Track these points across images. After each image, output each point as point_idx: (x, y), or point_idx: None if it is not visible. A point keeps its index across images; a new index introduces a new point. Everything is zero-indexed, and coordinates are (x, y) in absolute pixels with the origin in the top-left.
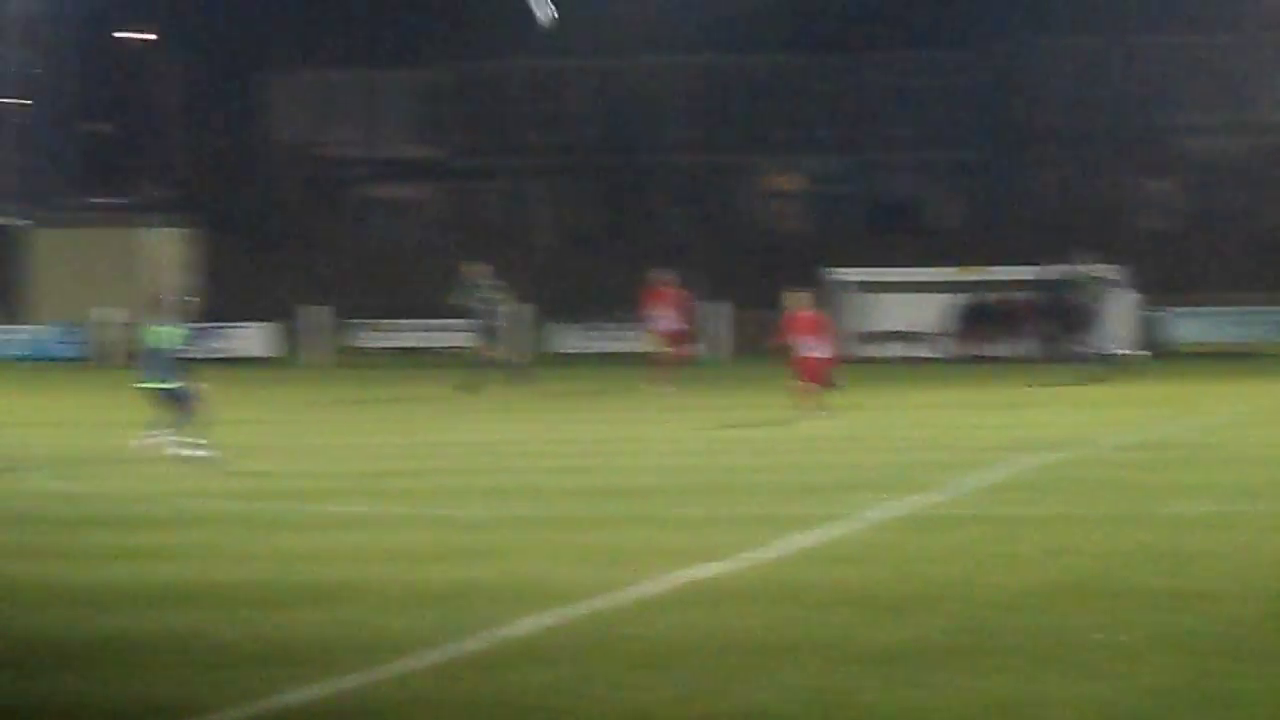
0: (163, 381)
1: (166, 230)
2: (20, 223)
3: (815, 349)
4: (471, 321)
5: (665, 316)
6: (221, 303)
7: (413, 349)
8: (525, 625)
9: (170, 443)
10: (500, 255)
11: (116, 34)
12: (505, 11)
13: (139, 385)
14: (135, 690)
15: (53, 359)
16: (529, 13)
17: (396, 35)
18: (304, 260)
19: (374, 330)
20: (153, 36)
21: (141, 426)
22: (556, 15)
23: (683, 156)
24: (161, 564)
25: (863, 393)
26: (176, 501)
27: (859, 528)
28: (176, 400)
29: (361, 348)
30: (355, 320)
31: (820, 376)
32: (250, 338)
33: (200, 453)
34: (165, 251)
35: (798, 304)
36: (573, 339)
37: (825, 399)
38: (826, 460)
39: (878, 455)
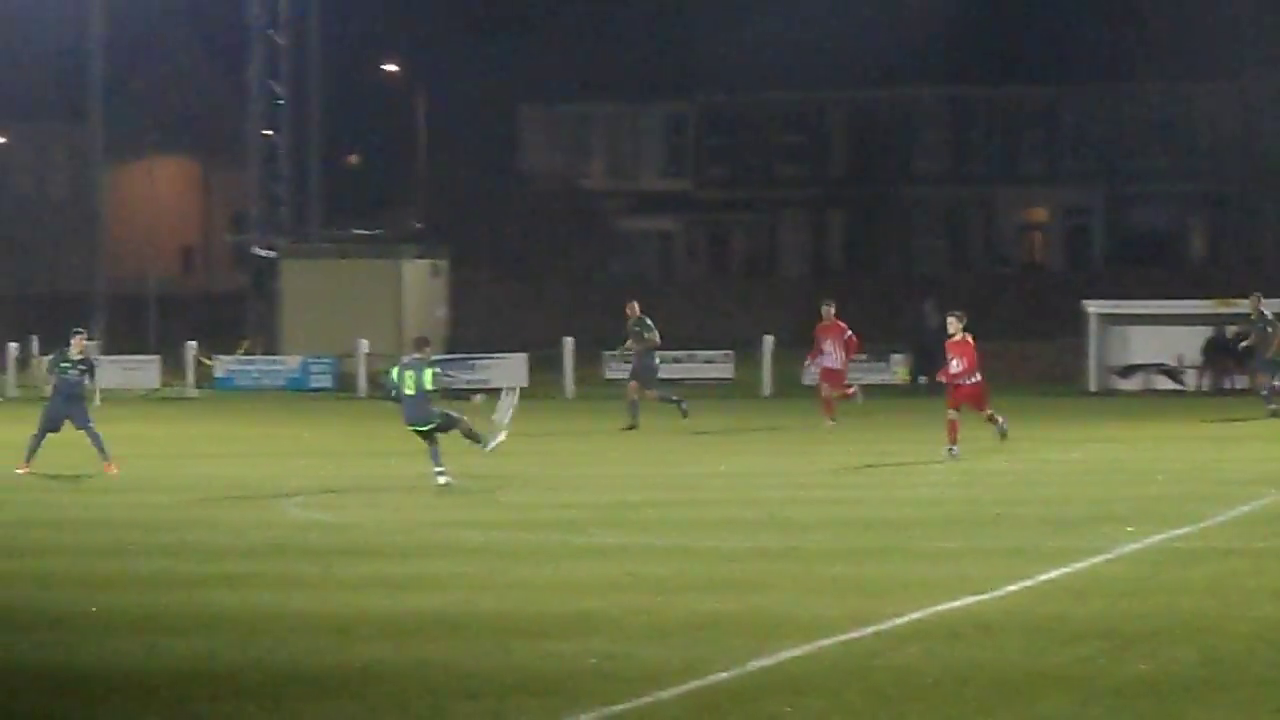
0: (426, 423)
1: (420, 262)
2: (273, 254)
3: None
4: (633, 361)
5: (829, 353)
6: (473, 334)
7: (664, 380)
8: (776, 657)
9: (438, 473)
10: (750, 286)
11: (369, 65)
12: (757, 44)
13: (409, 427)
14: (384, 719)
15: (309, 390)
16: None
17: (650, 68)
18: (556, 291)
19: (625, 361)
20: (403, 68)
21: (398, 457)
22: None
23: (933, 188)
24: (415, 594)
25: (1112, 425)
26: (431, 532)
27: (1110, 560)
28: (440, 431)
29: (612, 378)
30: (606, 351)
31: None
32: (502, 368)
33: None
34: (419, 283)
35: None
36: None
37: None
38: (1078, 493)
39: (1128, 488)
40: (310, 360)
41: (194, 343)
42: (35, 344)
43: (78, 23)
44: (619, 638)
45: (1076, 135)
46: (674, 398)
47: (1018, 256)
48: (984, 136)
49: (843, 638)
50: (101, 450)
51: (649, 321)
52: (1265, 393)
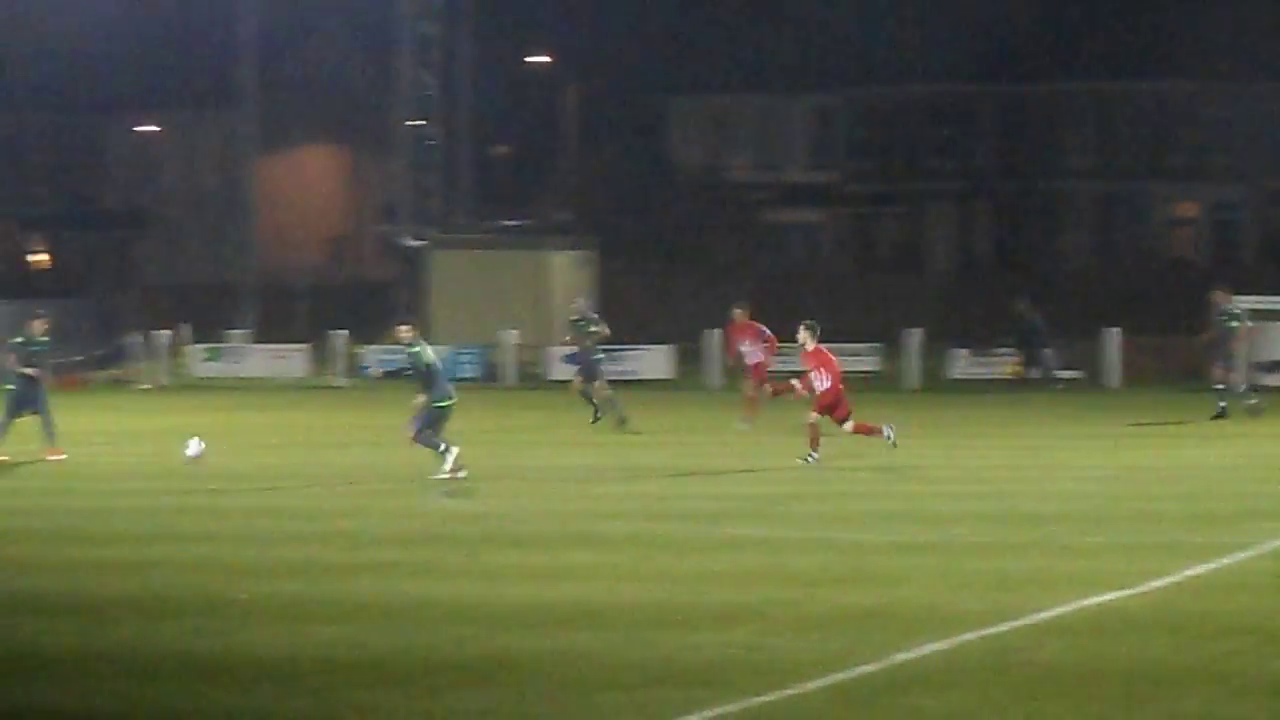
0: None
1: (567, 253)
2: (422, 244)
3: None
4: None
5: (749, 351)
6: (620, 325)
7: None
8: (918, 650)
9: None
10: (896, 280)
11: (520, 55)
12: (905, 37)
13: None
14: (530, 709)
15: (456, 379)
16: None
17: (796, 60)
18: (702, 283)
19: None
20: (553, 59)
21: (544, 447)
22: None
23: (1080, 182)
24: (560, 584)
25: (1260, 421)
26: (575, 522)
27: (1256, 557)
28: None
29: None
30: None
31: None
32: (649, 359)
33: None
34: (566, 274)
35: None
36: (965, 365)
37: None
38: (1221, 489)
39: (1272, 484)
40: (459, 350)
41: (342, 332)
42: (187, 331)
43: (229, 12)
44: (762, 629)
45: (1225, 130)
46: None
47: (1165, 252)
48: (1132, 131)
49: (985, 632)
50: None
51: (594, 315)
52: (1241, 389)
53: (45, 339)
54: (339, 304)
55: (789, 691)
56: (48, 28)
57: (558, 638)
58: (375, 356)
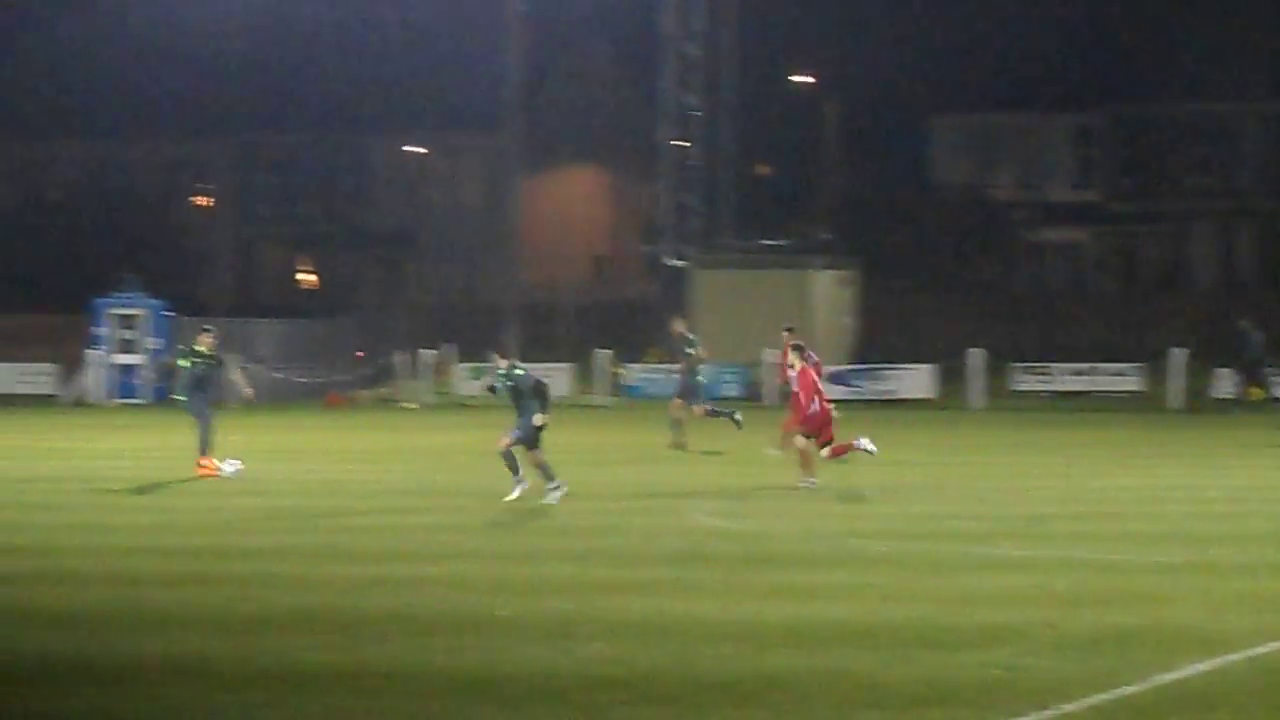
0: None
1: (829, 272)
2: (683, 263)
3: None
4: (679, 380)
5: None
6: (881, 344)
7: (1071, 393)
8: (1181, 671)
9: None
10: (1159, 299)
11: (781, 75)
12: (1167, 55)
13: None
14: None
15: (718, 398)
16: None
17: (1057, 79)
18: (963, 302)
19: (1032, 373)
20: (815, 78)
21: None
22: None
23: None
24: (821, 603)
25: None
26: (837, 541)
27: None
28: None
29: (1019, 390)
30: (1013, 363)
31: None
32: (910, 379)
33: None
34: (827, 293)
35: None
36: (1227, 385)
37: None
38: None
39: None
40: (720, 368)
41: (606, 351)
42: (453, 351)
43: (495, 35)
44: (1023, 650)
45: None
46: (726, 410)
47: None
48: None
49: (1250, 653)
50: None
51: (692, 338)
52: None
53: (211, 355)
54: (601, 323)
55: (1050, 712)
56: (317, 51)
57: (820, 657)
58: (636, 374)
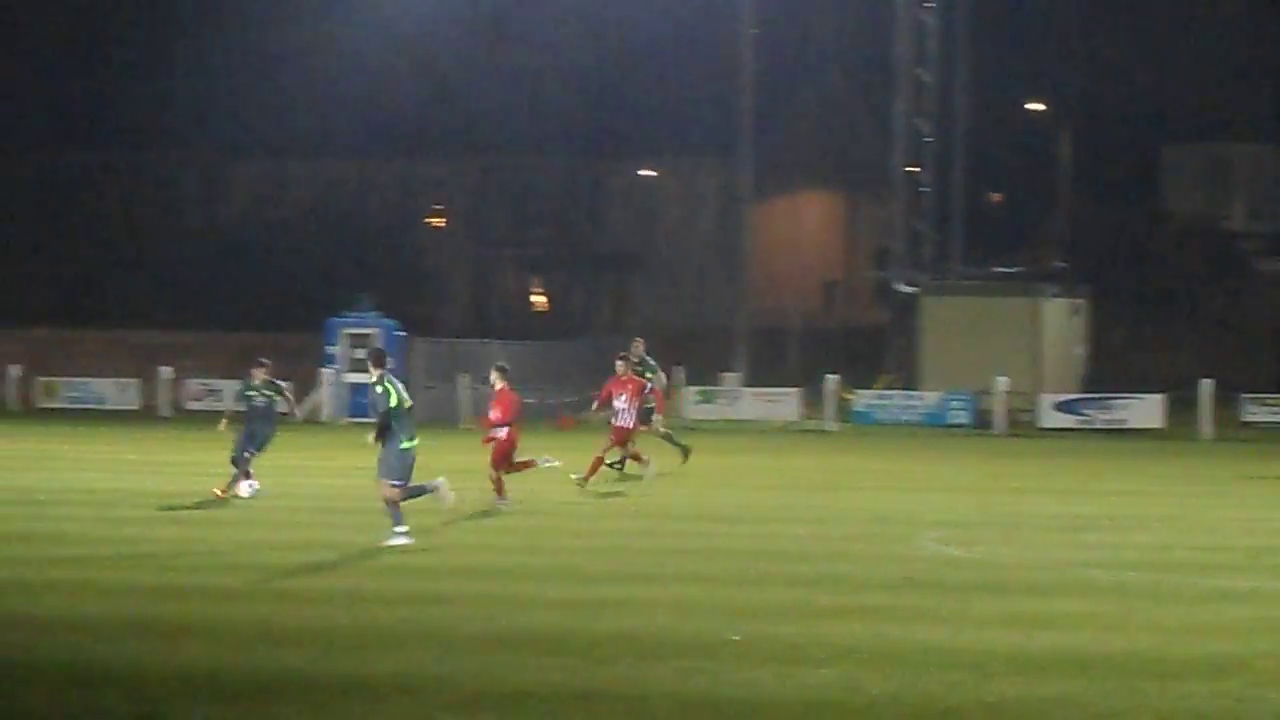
0: None
1: (1059, 300)
2: (914, 290)
3: None
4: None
5: (623, 409)
6: (1112, 373)
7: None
8: None
9: None
10: None
11: (1015, 103)
12: None
13: None
14: None
15: (946, 425)
16: None
17: None
18: (1193, 332)
19: (1262, 404)
20: (1048, 106)
21: (1034, 494)
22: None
23: None
24: (1047, 632)
25: None
26: (1062, 571)
27: None
28: None
29: (1249, 421)
30: (1243, 394)
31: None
32: (1139, 409)
33: None
34: (1058, 321)
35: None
36: None
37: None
38: None
39: None
40: (949, 396)
41: (834, 376)
42: (681, 374)
43: (728, 60)
44: (1252, 681)
45: None
46: (679, 442)
47: None
48: None
49: None
50: (235, 476)
51: (652, 362)
52: None
53: (262, 385)
54: (830, 348)
55: None
56: (552, 74)
57: (1045, 686)
58: (865, 400)
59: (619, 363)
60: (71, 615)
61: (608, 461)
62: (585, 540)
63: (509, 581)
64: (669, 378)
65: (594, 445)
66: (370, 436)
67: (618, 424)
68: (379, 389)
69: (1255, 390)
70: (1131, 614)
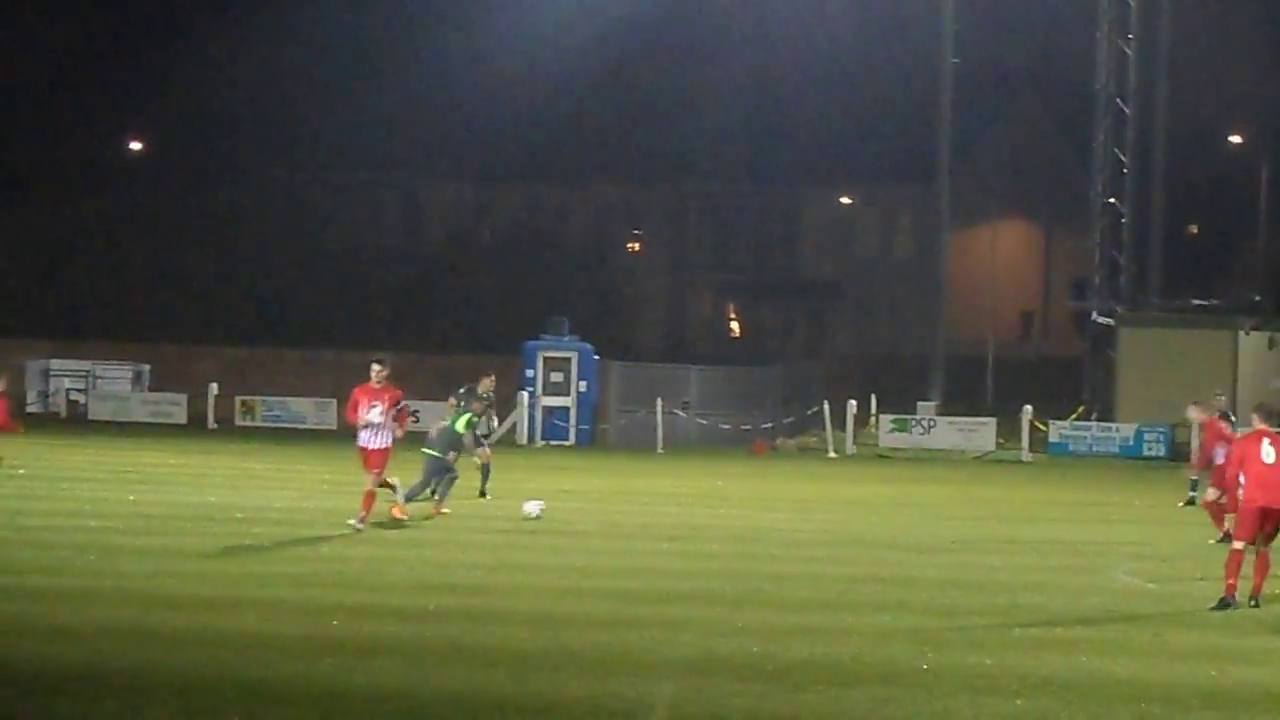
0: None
1: (1257, 333)
2: (1111, 321)
3: None
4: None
5: (376, 425)
6: None
7: None
8: None
9: None
10: None
11: (1215, 134)
12: None
13: None
14: None
15: (1142, 458)
16: None
17: None
18: None
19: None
20: (1245, 138)
21: None
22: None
23: None
24: (1241, 666)
25: None
26: (1264, 605)
27: None
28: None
29: None
30: None
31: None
32: None
33: None
34: (1255, 354)
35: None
36: None
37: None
38: None
39: None
40: (1144, 428)
41: (1029, 406)
42: (873, 403)
43: (928, 88)
44: None
45: None
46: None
47: None
48: None
49: None
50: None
51: (485, 395)
52: None
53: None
54: (1026, 378)
55: None
56: (750, 100)
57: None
58: (1060, 431)
59: (376, 368)
60: (264, 632)
61: None
62: (776, 565)
63: (704, 606)
64: (864, 405)
65: (791, 472)
66: None
67: (367, 446)
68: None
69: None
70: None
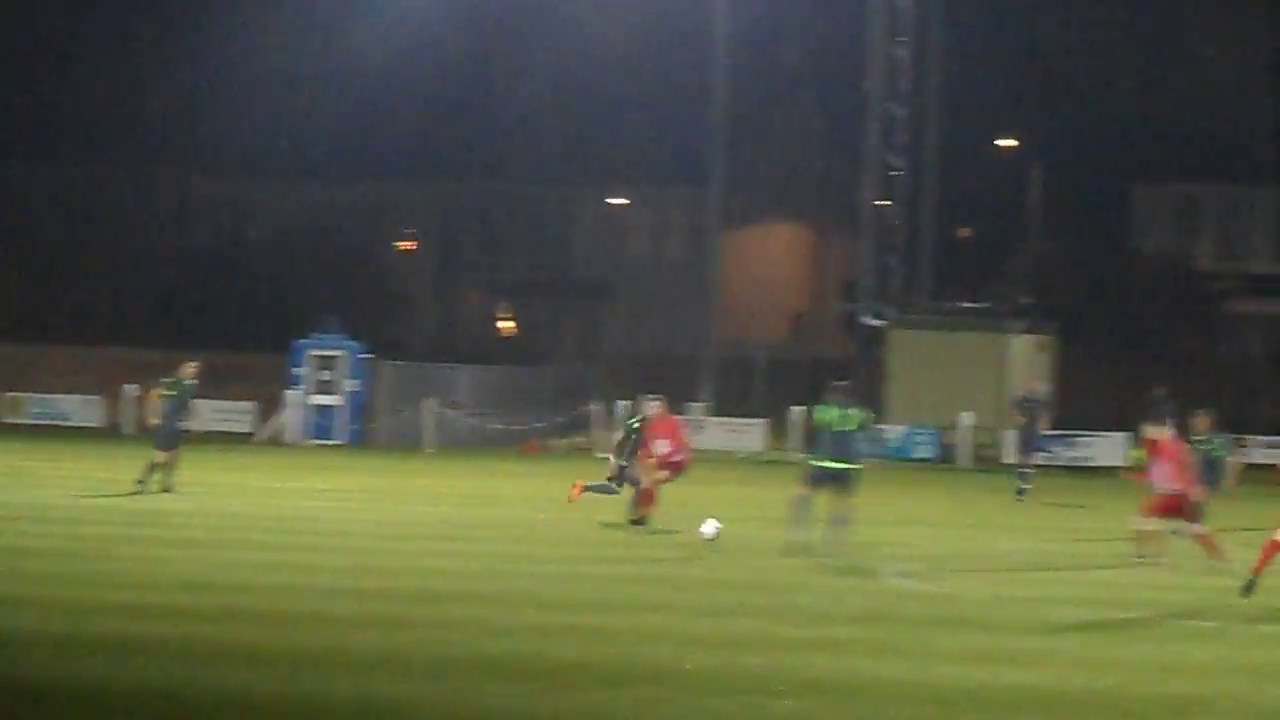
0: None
1: (1026, 336)
2: (881, 323)
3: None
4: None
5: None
6: (1076, 411)
7: (1266, 465)
8: None
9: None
10: None
11: (985, 139)
12: None
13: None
14: None
15: (911, 459)
16: None
17: (1261, 150)
18: (1161, 371)
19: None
20: (1018, 142)
21: (998, 530)
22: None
23: None
24: (1008, 668)
25: None
26: (1027, 608)
27: None
28: None
29: None
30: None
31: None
32: (1104, 446)
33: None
34: (1024, 358)
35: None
36: None
37: None
38: None
39: None
40: (913, 430)
41: (800, 407)
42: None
43: (701, 89)
44: None
45: None
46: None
47: None
48: None
49: None
50: None
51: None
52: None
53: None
54: (797, 379)
55: None
56: (522, 99)
57: None
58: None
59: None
60: (25, 630)
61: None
62: (545, 566)
63: (470, 606)
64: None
65: (570, 472)
66: None
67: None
68: None
69: (1224, 430)
70: (1096, 651)
